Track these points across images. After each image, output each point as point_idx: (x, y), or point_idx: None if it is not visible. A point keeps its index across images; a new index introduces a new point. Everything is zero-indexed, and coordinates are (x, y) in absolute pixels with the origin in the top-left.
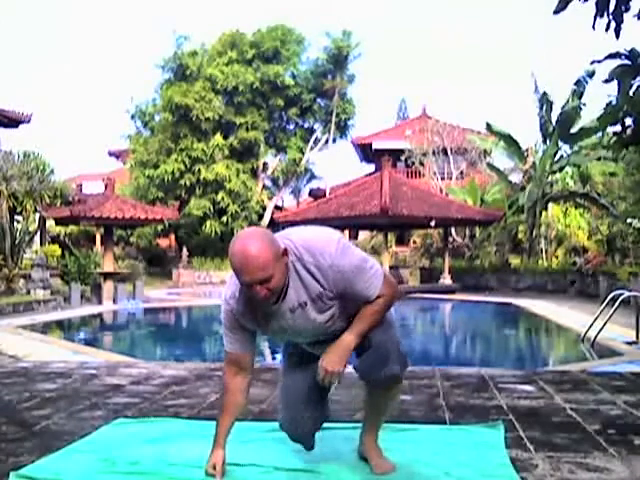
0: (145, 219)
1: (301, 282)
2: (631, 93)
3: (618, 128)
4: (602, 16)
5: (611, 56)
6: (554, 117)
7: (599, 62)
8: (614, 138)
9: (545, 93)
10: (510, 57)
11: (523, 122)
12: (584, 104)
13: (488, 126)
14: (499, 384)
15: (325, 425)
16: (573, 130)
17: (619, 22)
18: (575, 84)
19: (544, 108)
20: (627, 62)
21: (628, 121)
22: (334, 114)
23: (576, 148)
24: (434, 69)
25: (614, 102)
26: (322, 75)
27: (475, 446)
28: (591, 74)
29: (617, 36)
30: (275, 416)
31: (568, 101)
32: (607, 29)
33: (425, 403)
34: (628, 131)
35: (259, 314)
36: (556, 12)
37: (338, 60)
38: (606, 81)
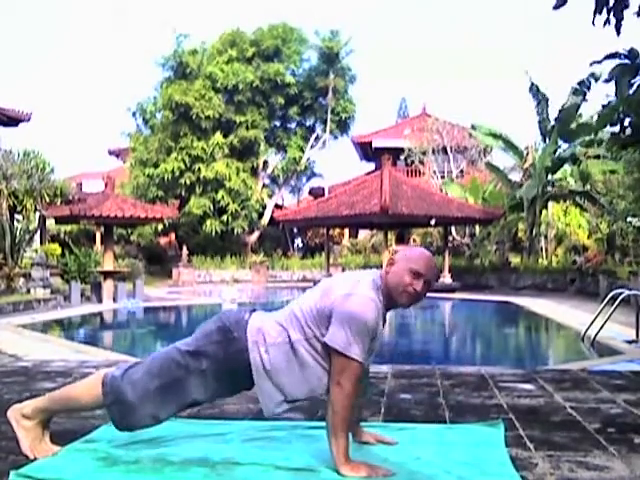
0: (145, 218)
1: None
2: (630, 92)
3: (617, 129)
4: (601, 12)
5: (610, 56)
6: (551, 114)
7: (599, 63)
8: (612, 139)
9: (539, 90)
10: (510, 56)
11: (524, 120)
12: (585, 99)
13: (473, 127)
14: (499, 383)
15: (324, 424)
16: (572, 127)
17: (619, 18)
18: (578, 84)
19: (541, 106)
20: (626, 61)
21: (626, 122)
22: (329, 112)
23: (575, 145)
24: (434, 68)
25: (613, 102)
26: (319, 73)
27: (475, 445)
28: (597, 78)
29: (617, 33)
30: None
31: (568, 99)
32: (605, 25)
33: (425, 402)
34: (627, 131)
35: (379, 328)
36: (555, 8)
37: (330, 58)
38: (607, 81)
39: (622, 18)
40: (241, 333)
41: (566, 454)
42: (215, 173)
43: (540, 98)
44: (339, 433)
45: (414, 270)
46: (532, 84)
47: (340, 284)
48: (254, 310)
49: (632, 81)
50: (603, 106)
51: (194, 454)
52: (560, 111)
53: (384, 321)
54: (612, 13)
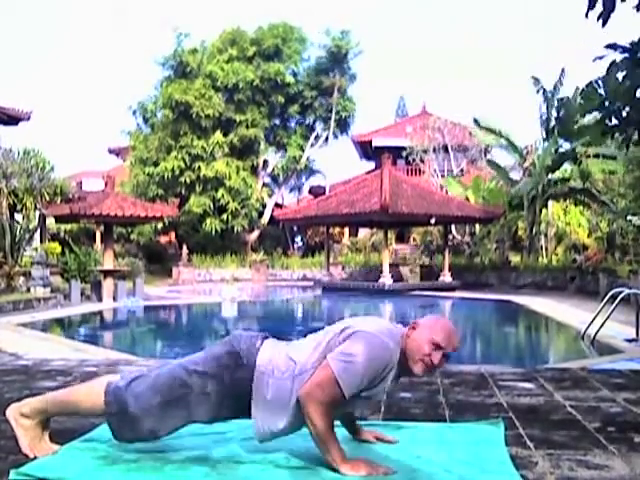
0: (145, 217)
1: None
2: (618, 85)
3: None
4: (594, 7)
5: (609, 47)
6: (554, 113)
7: (600, 59)
8: (597, 124)
9: (545, 90)
10: (510, 56)
11: (524, 120)
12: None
13: (476, 122)
14: (499, 381)
15: None
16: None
17: (609, 8)
18: (586, 86)
19: (546, 104)
20: (625, 55)
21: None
22: (333, 111)
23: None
24: (434, 68)
25: (594, 83)
26: (323, 72)
27: (475, 443)
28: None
29: (604, 24)
30: None
31: (570, 98)
32: (599, 18)
33: (425, 401)
34: (613, 119)
35: (386, 384)
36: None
37: (337, 58)
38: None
39: (612, 9)
40: (251, 361)
41: (566, 453)
42: (215, 172)
43: (545, 96)
44: (327, 442)
45: (435, 342)
46: (538, 83)
47: (368, 323)
48: (266, 337)
49: (624, 74)
50: (587, 84)
51: (194, 453)
52: (558, 109)
53: (397, 381)
54: (603, 3)
